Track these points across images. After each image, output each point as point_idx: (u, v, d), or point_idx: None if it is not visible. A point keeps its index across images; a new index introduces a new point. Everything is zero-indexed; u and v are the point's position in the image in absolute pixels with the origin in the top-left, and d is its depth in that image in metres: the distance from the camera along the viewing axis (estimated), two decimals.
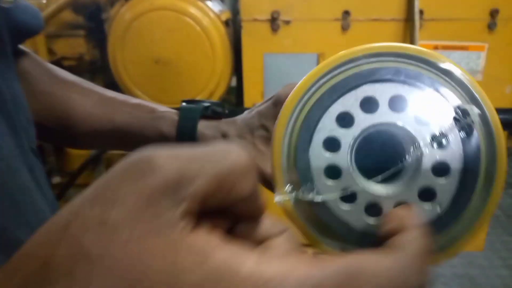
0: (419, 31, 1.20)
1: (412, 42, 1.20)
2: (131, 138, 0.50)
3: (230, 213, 0.19)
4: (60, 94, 0.50)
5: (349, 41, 1.26)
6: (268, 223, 0.21)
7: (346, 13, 1.24)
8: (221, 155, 0.17)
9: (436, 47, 1.24)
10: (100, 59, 1.51)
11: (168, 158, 0.16)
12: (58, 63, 1.50)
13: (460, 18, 1.22)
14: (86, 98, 0.50)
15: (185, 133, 0.47)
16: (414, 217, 0.24)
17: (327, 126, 0.28)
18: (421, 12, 1.20)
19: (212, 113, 0.49)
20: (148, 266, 0.14)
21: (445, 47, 1.24)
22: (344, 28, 1.26)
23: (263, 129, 0.45)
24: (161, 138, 0.48)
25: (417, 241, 0.21)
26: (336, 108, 0.28)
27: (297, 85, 0.30)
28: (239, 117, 0.47)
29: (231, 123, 0.47)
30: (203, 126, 0.48)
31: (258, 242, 0.20)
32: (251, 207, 0.19)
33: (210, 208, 0.17)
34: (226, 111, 0.50)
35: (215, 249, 0.16)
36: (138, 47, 1.35)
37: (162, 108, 0.51)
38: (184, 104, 0.50)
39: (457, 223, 0.27)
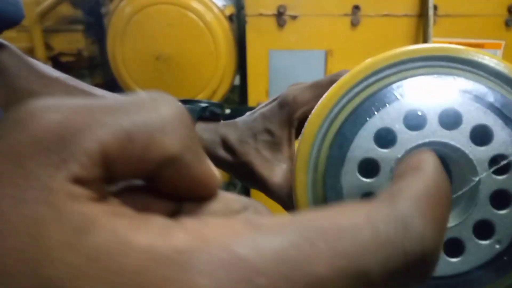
0: (433, 27, 1.14)
1: (425, 39, 1.15)
2: None
3: (171, 191, 0.14)
4: (42, 92, 0.45)
5: (359, 37, 1.21)
6: (226, 198, 0.15)
7: (356, 8, 1.19)
8: (133, 104, 0.13)
9: None
10: (99, 55, 1.46)
11: (51, 108, 0.12)
12: (55, 59, 1.46)
13: (476, 14, 1.17)
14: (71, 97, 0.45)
15: None
16: (426, 159, 0.16)
17: (364, 145, 0.23)
18: (435, 7, 1.15)
19: (210, 114, 0.44)
20: (3, 246, 0.11)
21: (460, 45, 1.18)
22: (354, 24, 1.20)
23: (267, 134, 0.40)
24: None
25: (417, 184, 0.14)
26: (375, 124, 0.23)
27: (326, 94, 0.24)
28: (240, 119, 0.43)
29: (232, 125, 0.43)
30: (201, 129, 0.43)
31: None
32: (189, 174, 0.14)
33: (122, 175, 0.13)
34: (227, 112, 0.46)
35: (103, 218, 0.11)
36: (138, 42, 1.31)
37: None
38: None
39: None
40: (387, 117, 0.23)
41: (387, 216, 0.12)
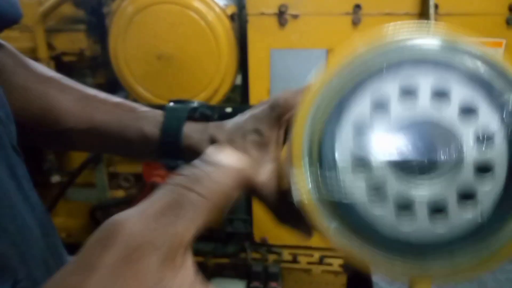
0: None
1: None
2: (110, 139, 0.47)
3: None
4: (37, 90, 0.46)
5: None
6: None
7: (357, 6, 1.19)
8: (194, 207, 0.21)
9: None
10: (101, 54, 1.47)
11: (132, 221, 0.19)
12: (58, 58, 1.47)
13: (476, 13, 1.17)
14: (65, 95, 0.47)
15: (169, 134, 0.44)
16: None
17: (359, 115, 0.24)
18: (436, 6, 1.15)
19: (200, 116, 0.46)
20: None
21: None
22: (355, 23, 1.21)
23: (256, 134, 0.41)
24: (142, 140, 0.45)
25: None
26: (371, 95, 0.24)
27: (324, 69, 0.25)
28: (230, 121, 0.44)
29: (221, 126, 0.44)
30: (190, 128, 0.44)
31: None
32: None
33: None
34: (228, 110, 0.47)
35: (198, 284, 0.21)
36: (140, 42, 1.31)
37: (145, 108, 0.48)
38: (171, 104, 0.47)
39: (501, 232, 0.24)
40: (384, 88, 0.24)
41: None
